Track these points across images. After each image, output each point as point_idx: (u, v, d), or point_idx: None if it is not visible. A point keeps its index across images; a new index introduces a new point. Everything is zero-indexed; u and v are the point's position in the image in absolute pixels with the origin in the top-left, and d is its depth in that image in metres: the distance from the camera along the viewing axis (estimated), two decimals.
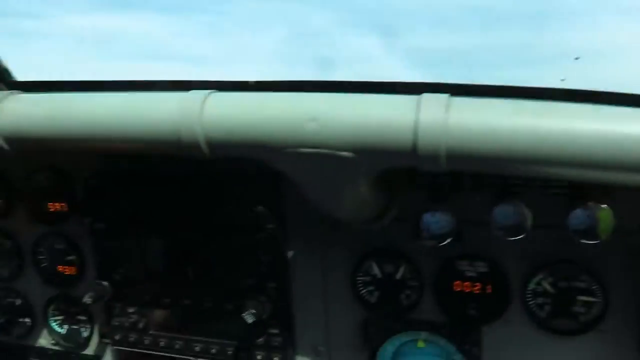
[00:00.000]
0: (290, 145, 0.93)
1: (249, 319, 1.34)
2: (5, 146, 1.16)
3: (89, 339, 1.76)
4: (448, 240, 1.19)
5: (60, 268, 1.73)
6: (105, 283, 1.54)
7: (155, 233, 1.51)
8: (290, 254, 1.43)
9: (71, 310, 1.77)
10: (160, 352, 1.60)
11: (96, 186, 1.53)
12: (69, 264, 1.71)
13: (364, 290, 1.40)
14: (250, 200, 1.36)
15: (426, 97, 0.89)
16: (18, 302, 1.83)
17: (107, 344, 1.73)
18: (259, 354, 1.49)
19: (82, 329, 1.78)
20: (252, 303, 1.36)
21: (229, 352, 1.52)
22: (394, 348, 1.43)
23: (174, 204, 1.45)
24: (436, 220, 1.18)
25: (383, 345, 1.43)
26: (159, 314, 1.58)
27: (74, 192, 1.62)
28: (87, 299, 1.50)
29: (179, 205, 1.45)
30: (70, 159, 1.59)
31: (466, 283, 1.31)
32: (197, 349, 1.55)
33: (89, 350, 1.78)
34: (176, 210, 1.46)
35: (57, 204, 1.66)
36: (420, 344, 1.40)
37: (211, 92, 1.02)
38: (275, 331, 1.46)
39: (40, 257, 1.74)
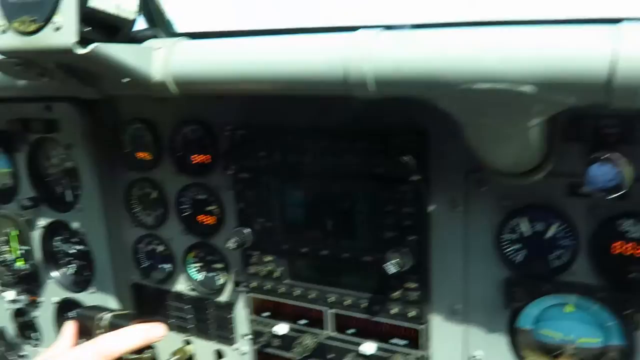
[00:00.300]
0: (465, 81, 0.91)
1: (392, 269, 1.34)
2: (175, 89, 1.23)
3: (223, 286, 1.86)
4: (617, 194, 1.11)
5: (200, 218, 1.83)
6: (247, 230, 1.60)
7: (296, 184, 1.56)
8: (432, 207, 1.41)
9: (208, 259, 1.88)
10: (293, 300, 1.66)
11: (241, 137, 1.59)
12: (209, 214, 1.81)
13: (509, 249, 1.35)
14: (396, 151, 1.35)
15: (628, 26, 0.83)
16: (160, 248, 1.97)
17: (241, 291, 1.82)
18: (394, 308, 1.49)
19: (218, 277, 1.88)
20: (394, 254, 1.35)
21: (363, 305, 1.54)
22: (538, 311, 1.37)
23: (316, 156, 1.48)
24: (605, 172, 1.10)
25: (526, 308, 1.38)
26: (295, 264, 1.63)
27: (217, 144, 1.70)
28: (230, 244, 1.58)
29: (320, 157, 1.48)
30: (214, 112, 1.67)
31: (629, 245, 1.22)
32: (330, 299, 1.59)
33: (223, 297, 1.88)
34: (318, 161, 1.48)
35: (200, 156, 1.76)
36: (569, 308, 1.34)
37: (381, 30, 1.01)
38: (412, 285, 1.45)
39: (183, 207, 1.85)
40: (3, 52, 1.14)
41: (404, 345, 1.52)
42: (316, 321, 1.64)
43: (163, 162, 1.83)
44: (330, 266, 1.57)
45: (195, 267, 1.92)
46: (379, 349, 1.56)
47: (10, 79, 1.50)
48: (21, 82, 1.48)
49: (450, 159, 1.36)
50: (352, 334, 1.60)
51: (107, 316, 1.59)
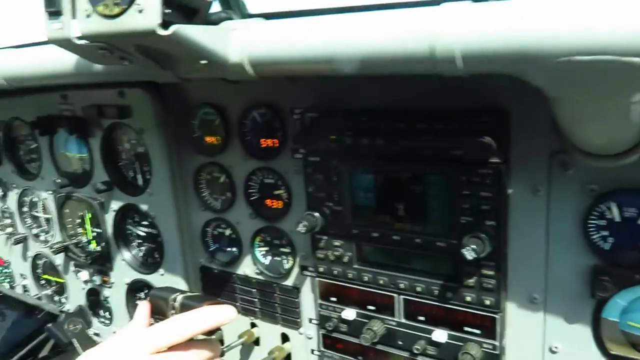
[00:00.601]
0: (566, 53, 0.85)
1: (470, 255, 1.30)
2: (252, 72, 1.23)
3: (290, 270, 1.86)
4: None
5: (268, 202, 1.84)
6: (317, 214, 1.59)
7: (367, 168, 1.53)
8: (512, 191, 1.35)
9: (275, 242, 1.89)
10: (362, 286, 1.64)
11: (311, 120, 1.58)
12: (277, 198, 1.81)
13: (596, 235, 1.28)
14: (475, 132, 1.30)
15: None
16: (227, 232, 2.00)
17: (307, 275, 1.82)
18: (469, 295, 1.45)
19: (285, 261, 1.88)
20: (473, 240, 1.31)
21: (436, 291, 1.50)
22: (626, 302, 1.29)
23: (389, 138, 1.45)
24: None
25: (613, 298, 1.30)
26: (364, 249, 1.61)
27: (286, 128, 1.70)
28: (300, 228, 1.57)
29: (393, 139, 1.44)
30: (284, 95, 1.66)
31: None
32: (401, 285, 1.56)
33: (289, 281, 1.88)
34: (390, 144, 1.45)
35: (269, 139, 1.76)
36: None
37: (469, 2, 0.97)
38: (489, 272, 1.40)
39: (251, 190, 1.86)
40: (88, 37, 1.16)
41: (478, 334, 1.48)
42: (385, 307, 1.62)
43: (231, 146, 1.84)
44: (401, 251, 1.54)
45: (262, 251, 1.93)
46: (451, 337, 1.52)
47: (87, 65, 1.54)
48: (98, 68, 1.52)
49: (533, 140, 1.30)
50: (423, 322, 1.56)
51: (180, 297, 1.62)
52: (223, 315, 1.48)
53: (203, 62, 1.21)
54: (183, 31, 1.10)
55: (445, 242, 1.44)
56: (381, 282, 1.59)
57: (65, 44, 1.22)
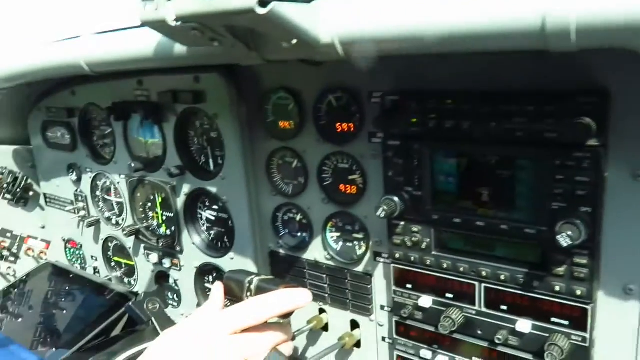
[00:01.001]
0: None
1: (565, 242, 1.25)
2: (342, 52, 1.22)
3: (362, 256, 1.85)
4: None
5: (342, 187, 1.83)
6: (396, 199, 1.57)
7: (450, 151, 1.49)
8: (609, 176, 1.29)
9: (347, 228, 1.87)
10: (441, 273, 1.61)
11: (392, 103, 1.55)
12: (351, 183, 1.80)
13: None
14: (572, 114, 1.24)
15: None
16: (298, 217, 2.00)
17: (381, 262, 1.80)
18: (558, 285, 1.39)
19: (357, 247, 1.87)
20: (568, 226, 1.26)
21: (521, 280, 1.46)
22: None
23: (475, 121, 1.40)
24: None
25: None
26: (444, 235, 1.58)
27: (363, 112, 1.68)
28: (380, 213, 1.55)
29: (480, 122, 1.40)
30: (362, 78, 1.64)
31: None
32: (483, 273, 1.52)
33: (360, 268, 1.87)
34: (477, 127, 1.40)
35: (344, 124, 1.74)
36: None
37: None
38: (581, 261, 1.34)
39: (324, 175, 1.85)
40: (183, 18, 1.17)
41: (566, 326, 1.42)
42: (465, 295, 1.58)
43: (305, 131, 1.84)
44: (484, 238, 1.50)
45: (333, 236, 1.92)
46: (536, 327, 1.47)
47: (168, 49, 1.57)
48: (180, 52, 1.54)
49: (634, 121, 1.23)
50: (505, 311, 1.52)
51: (255, 280, 1.63)
52: (299, 299, 1.49)
53: (294, 41, 1.20)
54: (279, 9, 1.10)
55: (534, 228, 1.38)
56: (461, 269, 1.55)
57: (159, 25, 1.23)
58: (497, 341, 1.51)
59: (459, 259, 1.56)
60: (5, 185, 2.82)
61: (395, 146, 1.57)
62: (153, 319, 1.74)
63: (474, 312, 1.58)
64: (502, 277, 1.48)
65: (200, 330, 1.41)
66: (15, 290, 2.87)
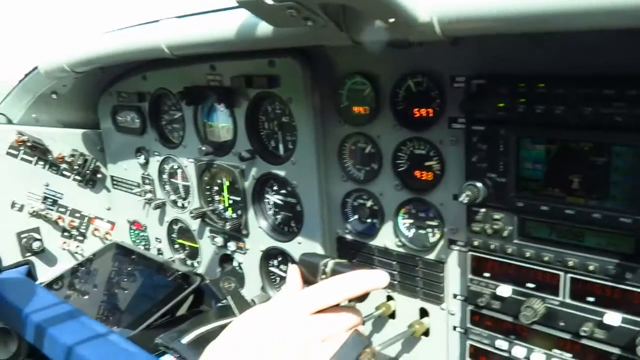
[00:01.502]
0: None
1: None
2: (438, 31, 1.20)
3: (435, 244, 1.83)
4: None
5: (417, 173, 1.81)
6: (479, 185, 1.54)
7: (538, 137, 1.45)
8: None
9: (421, 215, 1.86)
10: (523, 262, 1.57)
11: (478, 87, 1.52)
12: (427, 169, 1.78)
13: None
14: None
15: None
16: (369, 203, 1.99)
17: (456, 250, 1.77)
18: None
19: (430, 234, 1.85)
20: None
21: (612, 271, 1.41)
22: None
23: (568, 106, 1.36)
24: None
25: None
26: (527, 223, 1.54)
27: (444, 96, 1.65)
28: (463, 199, 1.53)
29: (573, 107, 1.35)
30: (445, 62, 1.61)
31: None
32: (570, 263, 1.47)
33: (433, 255, 1.85)
34: (569, 112, 1.36)
35: (423, 109, 1.72)
36: None
37: None
38: None
39: (399, 161, 1.84)
40: None
41: None
42: (548, 285, 1.54)
43: (381, 116, 1.83)
44: (573, 227, 1.45)
45: (406, 223, 1.91)
46: (626, 320, 1.42)
47: (247, 32, 1.58)
48: (265, 33, 1.54)
49: None
50: (592, 302, 1.47)
51: (331, 263, 1.63)
52: (377, 280, 1.47)
53: (391, 20, 1.19)
54: None
55: (630, 218, 1.33)
56: (546, 258, 1.51)
57: (255, 5, 1.24)
58: (582, 333, 1.47)
59: (544, 247, 1.52)
60: (76, 167, 2.92)
61: (479, 131, 1.54)
62: (229, 297, 1.76)
63: (557, 303, 1.53)
64: (591, 268, 1.44)
65: (282, 310, 1.42)
66: (82, 268, 2.99)
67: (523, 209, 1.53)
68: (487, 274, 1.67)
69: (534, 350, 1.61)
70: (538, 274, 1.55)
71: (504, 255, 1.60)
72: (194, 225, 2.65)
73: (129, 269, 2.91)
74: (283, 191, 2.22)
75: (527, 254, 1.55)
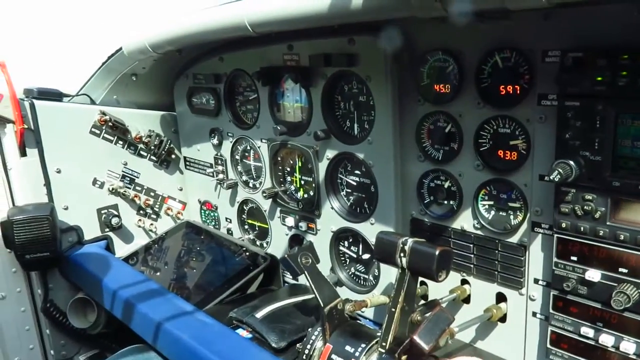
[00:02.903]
0: None
1: None
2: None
3: (517, 226, 1.77)
4: None
5: (500, 153, 1.76)
6: (572, 163, 1.48)
7: (637, 114, 1.38)
8: None
9: (502, 196, 1.80)
10: (616, 246, 1.50)
11: (574, 61, 1.46)
12: (512, 149, 1.73)
13: None
14: None
15: None
16: (447, 184, 1.96)
17: (540, 233, 1.72)
18: None
19: (512, 216, 1.80)
20: None
21: None
22: None
23: None
24: None
25: None
26: (623, 204, 1.47)
27: (534, 72, 1.60)
28: (555, 176, 1.47)
29: None
30: (536, 35, 1.56)
31: None
32: None
33: (514, 238, 1.80)
34: None
35: (510, 86, 1.67)
36: None
37: None
38: None
39: (481, 140, 1.79)
40: None
41: None
42: None
43: (464, 93, 1.79)
44: None
45: (485, 204, 1.86)
46: None
47: (333, 5, 1.57)
48: (351, 7, 1.54)
49: None
50: None
51: (410, 241, 1.62)
52: None
53: None
54: None
55: None
56: None
57: None
58: None
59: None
60: (152, 147, 3.03)
61: (574, 107, 1.48)
62: (305, 272, 1.78)
63: None
64: None
65: None
66: (156, 245, 3.10)
67: (618, 189, 1.46)
68: (574, 258, 1.60)
69: (623, 339, 1.54)
70: (632, 258, 1.48)
71: (595, 238, 1.54)
72: (265, 205, 2.69)
73: (200, 247, 3.00)
74: (357, 172, 2.22)
75: (622, 237, 1.48)
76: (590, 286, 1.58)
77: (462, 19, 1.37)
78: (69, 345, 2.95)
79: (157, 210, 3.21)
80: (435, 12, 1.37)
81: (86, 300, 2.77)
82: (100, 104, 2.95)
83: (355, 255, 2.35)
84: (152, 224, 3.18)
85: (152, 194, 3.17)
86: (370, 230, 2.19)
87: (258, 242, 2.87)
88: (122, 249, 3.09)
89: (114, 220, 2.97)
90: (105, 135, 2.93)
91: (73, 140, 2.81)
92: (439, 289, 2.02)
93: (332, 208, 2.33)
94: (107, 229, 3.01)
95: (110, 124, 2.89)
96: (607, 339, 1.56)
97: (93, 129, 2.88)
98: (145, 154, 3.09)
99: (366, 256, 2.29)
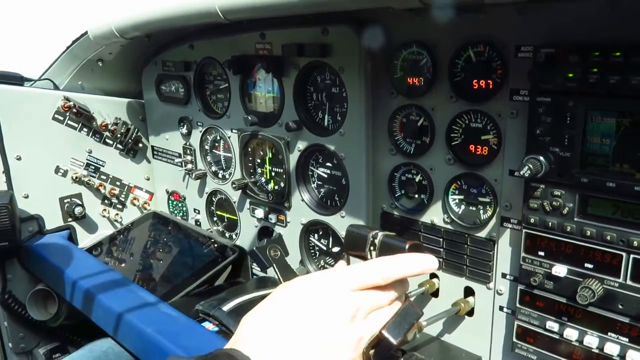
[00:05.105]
0: None
1: None
2: None
3: (487, 221, 1.78)
4: None
5: (471, 147, 1.76)
6: (542, 158, 1.49)
7: (611, 110, 1.39)
8: None
9: (473, 191, 1.81)
10: (582, 241, 1.52)
11: (546, 57, 1.46)
12: (483, 143, 1.73)
13: None
14: None
15: None
16: (418, 178, 1.95)
17: (508, 228, 1.73)
18: None
19: (482, 211, 1.80)
20: None
21: None
22: None
23: (626, 76, 1.29)
24: None
25: None
26: (590, 200, 1.49)
27: (507, 67, 1.60)
28: (525, 172, 1.48)
29: (637, 77, 1.29)
30: (511, 30, 1.56)
31: None
32: (635, 243, 1.41)
33: (483, 233, 1.80)
34: (636, 83, 1.29)
35: (482, 80, 1.67)
36: None
37: None
38: None
39: (453, 134, 1.79)
40: None
41: None
42: (608, 266, 1.48)
43: (437, 87, 1.78)
44: (638, 205, 1.39)
45: (456, 199, 1.87)
46: None
47: None
48: None
49: None
50: None
51: (380, 235, 1.60)
52: (426, 264, 1.38)
53: None
54: None
55: None
56: (608, 238, 1.46)
57: None
58: None
59: (606, 226, 1.46)
60: (118, 136, 2.94)
61: (545, 103, 1.49)
62: (274, 265, 1.75)
63: (616, 285, 1.48)
64: None
65: (325, 283, 1.35)
66: (121, 236, 3.02)
67: (587, 185, 1.47)
68: (541, 253, 1.61)
69: (587, 333, 1.56)
70: (598, 253, 1.50)
71: (562, 234, 1.55)
72: (235, 196, 2.65)
73: (167, 238, 2.94)
74: (328, 164, 2.20)
75: (588, 233, 1.49)
76: (557, 281, 1.59)
77: (438, 12, 1.36)
78: (28, 338, 2.85)
79: (122, 200, 3.12)
80: (411, 3, 1.35)
81: (47, 291, 2.68)
82: (64, 90, 2.84)
83: (325, 248, 2.33)
84: (117, 214, 3.09)
85: (117, 183, 3.08)
86: (340, 223, 2.17)
87: (227, 234, 2.83)
88: (85, 240, 3.00)
89: (77, 210, 2.88)
90: (69, 122, 2.83)
91: (35, 126, 2.70)
92: (410, 283, 2.01)
93: (303, 200, 2.30)
94: (70, 219, 2.91)
95: (74, 110, 2.79)
96: (571, 333, 1.58)
97: (56, 115, 2.78)
98: (111, 142, 3.00)
99: (336, 249, 2.28)
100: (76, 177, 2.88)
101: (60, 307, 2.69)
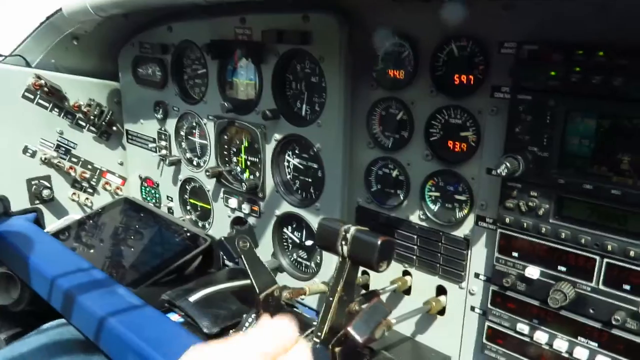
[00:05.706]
0: None
1: None
2: None
3: (462, 219, 1.75)
4: None
5: (450, 143, 1.73)
6: (519, 157, 1.45)
7: (592, 111, 1.36)
8: None
9: (449, 188, 1.78)
10: (556, 244, 1.49)
11: (529, 54, 1.43)
12: (462, 140, 1.70)
13: None
14: None
15: None
16: (395, 173, 1.91)
17: (483, 227, 1.70)
18: None
19: (458, 209, 1.77)
20: None
21: None
22: None
23: (628, 78, 1.27)
24: None
25: None
26: (566, 202, 1.46)
27: (489, 62, 1.56)
28: (502, 170, 1.45)
29: (636, 80, 1.26)
30: (494, 25, 1.52)
31: None
32: (609, 247, 1.39)
33: (458, 232, 1.77)
34: (631, 85, 1.27)
35: (464, 75, 1.63)
36: None
37: None
38: None
39: (432, 130, 1.75)
40: None
41: None
42: (581, 270, 1.46)
43: (418, 81, 1.74)
44: (617, 209, 1.37)
45: (432, 196, 1.83)
46: None
47: None
48: None
49: None
50: (627, 291, 1.39)
51: (352, 229, 1.56)
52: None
53: None
54: None
55: None
56: (582, 241, 1.43)
57: None
58: (614, 322, 1.39)
59: (581, 229, 1.44)
60: (92, 117, 2.85)
61: (526, 101, 1.45)
62: (242, 256, 1.69)
63: (588, 289, 1.46)
64: (632, 254, 1.35)
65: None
66: (90, 221, 2.93)
67: (564, 187, 1.44)
68: (515, 254, 1.59)
69: (557, 337, 1.54)
70: (571, 256, 1.48)
71: (537, 235, 1.52)
72: (209, 185, 2.58)
73: (138, 225, 2.85)
74: (305, 155, 2.15)
75: (563, 235, 1.47)
76: (529, 283, 1.57)
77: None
78: None
79: (93, 184, 3.03)
80: None
81: (9, 275, 2.58)
82: (36, 67, 2.73)
83: (298, 241, 2.28)
84: (87, 199, 3.00)
85: (89, 166, 2.99)
86: (315, 215, 2.12)
87: (200, 223, 2.76)
88: (52, 224, 2.90)
89: (45, 192, 2.79)
90: (40, 101, 2.73)
91: (3, 103, 2.60)
92: (381, 279, 1.98)
93: (277, 191, 2.25)
94: (37, 201, 2.82)
95: (45, 89, 2.68)
96: (541, 336, 1.56)
97: (26, 94, 2.68)
98: (84, 124, 2.91)
99: (309, 242, 2.23)
100: (45, 159, 2.78)
101: (22, 291, 2.58)
